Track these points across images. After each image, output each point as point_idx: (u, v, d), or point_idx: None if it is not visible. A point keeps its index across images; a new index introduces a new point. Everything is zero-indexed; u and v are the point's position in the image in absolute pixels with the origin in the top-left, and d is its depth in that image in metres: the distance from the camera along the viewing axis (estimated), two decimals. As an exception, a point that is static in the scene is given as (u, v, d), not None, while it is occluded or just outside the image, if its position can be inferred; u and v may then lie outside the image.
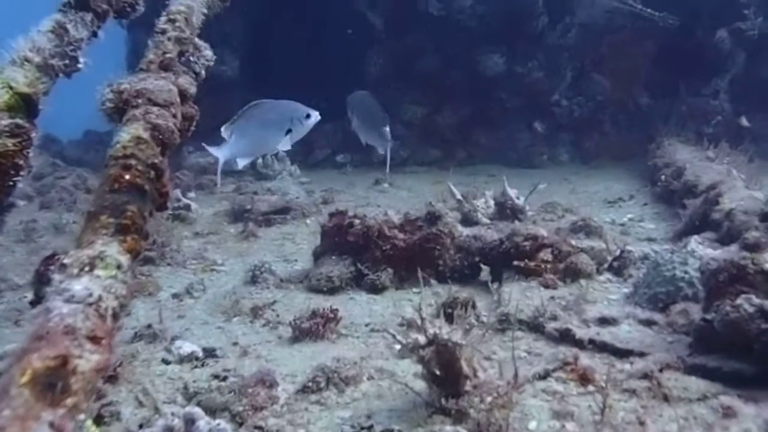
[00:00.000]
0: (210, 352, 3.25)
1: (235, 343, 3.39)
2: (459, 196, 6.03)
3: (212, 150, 4.28)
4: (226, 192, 7.54)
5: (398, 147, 9.66)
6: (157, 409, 2.29)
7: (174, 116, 2.31)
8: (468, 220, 5.83)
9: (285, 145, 3.88)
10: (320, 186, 8.03)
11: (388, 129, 5.75)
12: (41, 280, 1.69)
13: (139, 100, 2.26)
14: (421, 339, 2.61)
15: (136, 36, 9.62)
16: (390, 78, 9.97)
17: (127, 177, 1.88)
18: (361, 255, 4.33)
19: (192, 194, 7.19)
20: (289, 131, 3.76)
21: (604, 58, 9.43)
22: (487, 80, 9.63)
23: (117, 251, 1.66)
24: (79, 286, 1.52)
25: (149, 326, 3.41)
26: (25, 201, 6.51)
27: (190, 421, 2.09)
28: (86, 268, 1.58)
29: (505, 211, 5.83)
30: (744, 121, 7.94)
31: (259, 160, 8.37)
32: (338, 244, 4.42)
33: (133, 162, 1.95)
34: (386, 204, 7.04)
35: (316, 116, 4.09)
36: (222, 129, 3.96)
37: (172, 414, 2.13)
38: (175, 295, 4.17)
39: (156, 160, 2.02)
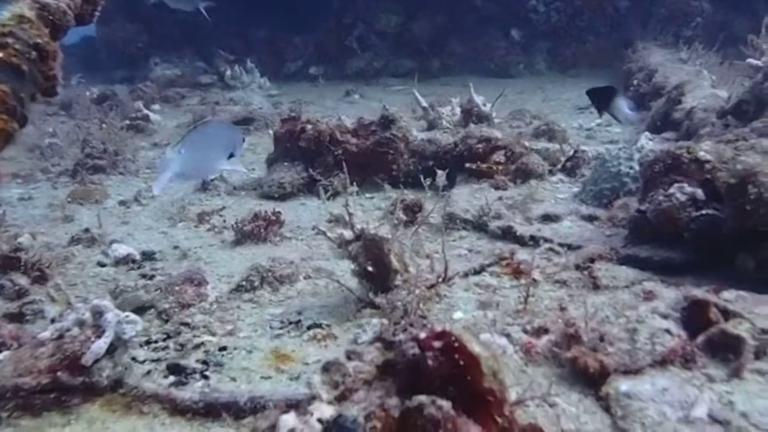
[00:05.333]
0: (149, 255, 3.21)
1: (176, 247, 3.35)
2: (424, 104, 5.89)
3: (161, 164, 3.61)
4: (191, 105, 7.37)
5: (372, 58, 9.44)
6: (69, 304, 2.25)
7: (71, -2, 2.16)
8: (433, 128, 5.72)
9: (226, 167, 3.60)
10: (290, 98, 7.86)
11: None
12: None
13: (32, -19, 2.11)
14: (347, 234, 2.57)
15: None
16: (364, -16, 9.64)
17: (1, 55, 1.77)
18: (314, 160, 4.25)
19: (156, 106, 7.03)
20: (231, 156, 3.52)
21: (584, -42, 9.08)
22: (463, -15, 9.31)
23: (-17, 132, 1.57)
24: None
25: (87, 230, 3.35)
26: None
27: (98, 314, 2.05)
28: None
29: (471, 118, 5.70)
30: None
31: (228, 72, 8.17)
32: (290, 150, 4.34)
33: (10, 41, 1.83)
34: (354, 115, 6.90)
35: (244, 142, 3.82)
36: (168, 149, 3.42)
37: (83, 307, 2.09)
38: (122, 202, 4.09)
39: (39, 41, 1.90)
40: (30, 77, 1.80)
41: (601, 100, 3.93)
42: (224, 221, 3.74)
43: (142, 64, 8.75)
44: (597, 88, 4.12)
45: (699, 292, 1.94)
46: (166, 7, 8.96)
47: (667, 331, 1.80)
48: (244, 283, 2.82)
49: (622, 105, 3.85)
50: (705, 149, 2.54)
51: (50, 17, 2.00)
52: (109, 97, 6.59)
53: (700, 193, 2.48)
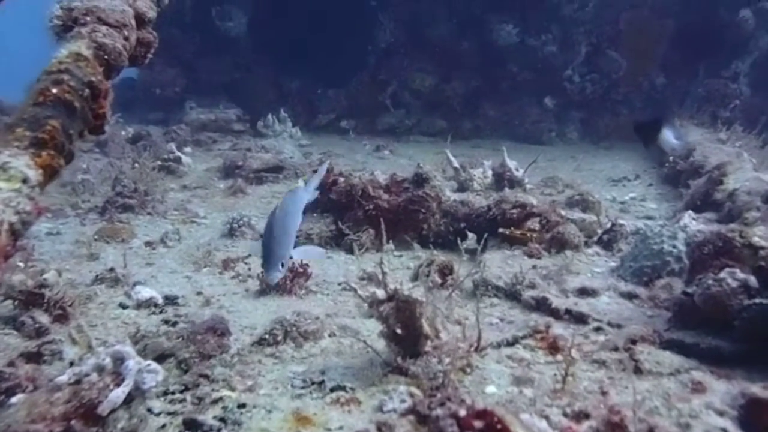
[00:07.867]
0: (171, 300, 3.13)
1: (200, 293, 3.27)
2: (456, 165, 5.85)
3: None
4: (222, 149, 7.41)
5: (403, 116, 9.49)
6: (90, 348, 2.17)
7: (126, 39, 2.15)
8: (464, 190, 5.66)
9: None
10: (320, 149, 7.88)
11: None
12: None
13: (88, 18, 2.10)
14: (380, 294, 2.47)
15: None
16: (400, 44, 9.75)
17: (55, 91, 1.74)
18: (343, 214, 4.18)
19: (188, 149, 7.07)
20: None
21: (622, 34, 9.12)
22: (499, 51, 9.38)
23: (25, 164, 1.52)
24: (-29, 196, 1.39)
25: (111, 270, 3.28)
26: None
27: (119, 360, 1.97)
28: (-14, 179, 1.44)
29: (503, 182, 5.65)
30: None
31: (260, 122, 8.23)
32: (320, 201, 4.27)
33: (65, 77, 1.81)
34: (383, 170, 6.88)
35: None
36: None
37: (103, 352, 2.01)
38: (147, 243, 4.04)
39: (93, 79, 1.87)
40: (80, 114, 1.76)
41: (648, 133, 4.19)
42: (249, 269, 3.66)
43: (177, 107, 8.87)
44: (643, 121, 4.44)
45: (758, 390, 1.81)
46: (206, 55, 9.19)
47: (724, 430, 1.67)
48: (267, 336, 2.72)
49: (669, 136, 4.11)
50: (759, 234, 2.43)
51: (105, 56, 1.98)
52: (143, 137, 6.65)
53: (753, 280, 2.36)
